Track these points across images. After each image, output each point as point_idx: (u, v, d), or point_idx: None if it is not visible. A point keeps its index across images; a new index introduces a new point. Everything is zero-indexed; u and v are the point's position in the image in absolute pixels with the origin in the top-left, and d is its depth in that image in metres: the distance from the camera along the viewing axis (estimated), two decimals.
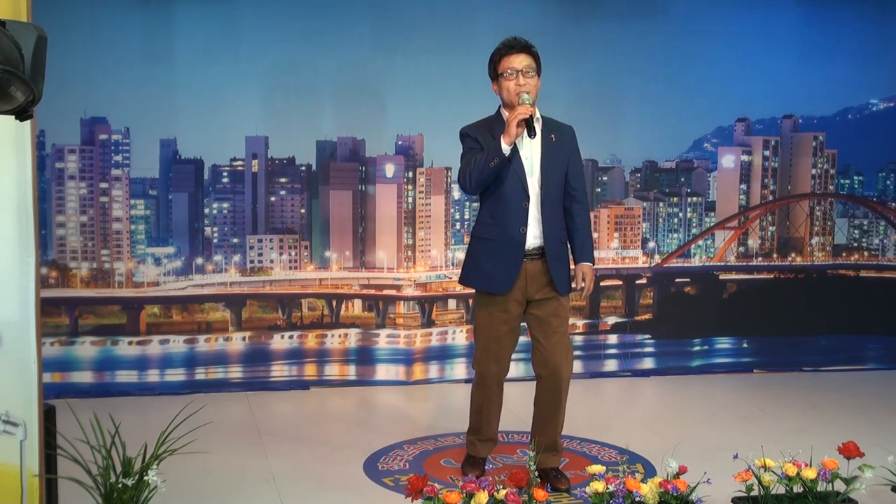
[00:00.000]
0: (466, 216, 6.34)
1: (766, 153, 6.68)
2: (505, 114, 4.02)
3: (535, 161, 4.02)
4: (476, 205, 6.29)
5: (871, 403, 5.75)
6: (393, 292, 6.18)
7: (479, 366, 4.18)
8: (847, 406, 5.66)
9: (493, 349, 4.11)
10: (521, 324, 4.21)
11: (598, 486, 3.37)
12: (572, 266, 4.14)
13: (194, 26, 5.78)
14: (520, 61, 3.97)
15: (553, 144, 4.06)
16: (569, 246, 4.15)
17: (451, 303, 6.26)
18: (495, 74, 4.04)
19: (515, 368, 4.61)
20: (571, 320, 6.42)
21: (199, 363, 5.93)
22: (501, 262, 4.02)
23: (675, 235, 6.67)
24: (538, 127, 3.98)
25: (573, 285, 4.12)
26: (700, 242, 6.70)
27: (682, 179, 6.69)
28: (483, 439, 4.29)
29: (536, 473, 3.42)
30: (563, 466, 4.38)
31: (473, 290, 4.23)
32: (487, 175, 3.92)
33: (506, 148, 3.86)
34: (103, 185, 5.79)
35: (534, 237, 4.02)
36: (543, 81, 4.13)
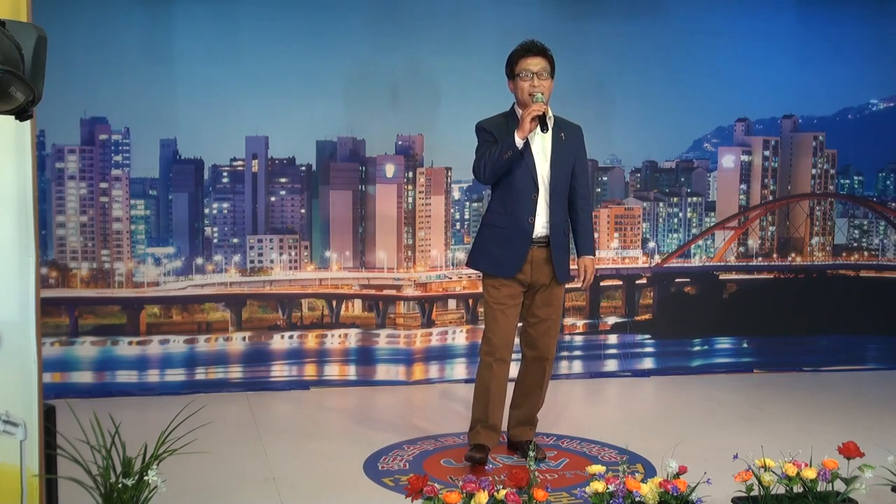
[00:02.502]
0: (466, 216, 6.35)
1: (766, 153, 6.68)
2: (519, 111, 4.25)
3: (546, 157, 4.28)
4: (476, 204, 6.33)
5: (871, 403, 5.75)
6: (393, 292, 6.18)
7: (486, 343, 4.34)
8: (847, 406, 5.66)
9: (501, 322, 4.29)
10: None
11: (598, 486, 3.37)
12: (573, 257, 4.45)
13: (194, 26, 5.78)
14: (535, 63, 4.22)
15: (563, 142, 4.31)
16: (571, 238, 4.43)
17: (451, 303, 6.26)
18: (512, 74, 4.29)
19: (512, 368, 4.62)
20: (572, 320, 6.44)
21: (199, 363, 5.93)
22: (509, 249, 4.27)
23: (675, 235, 6.67)
24: (550, 124, 4.20)
25: (576, 278, 4.45)
26: (700, 242, 6.70)
27: (682, 179, 6.69)
28: (487, 426, 4.33)
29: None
30: (564, 466, 4.42)
31: (478, 289, 4.51)
32: (501, 166, 4.17)
33: (519, 141, 4.12)
34: (103, 185, 5.79)
35: (542, 227, 4.28)
36: None
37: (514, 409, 4.55)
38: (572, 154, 4.34)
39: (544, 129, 4.14)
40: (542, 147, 4.27)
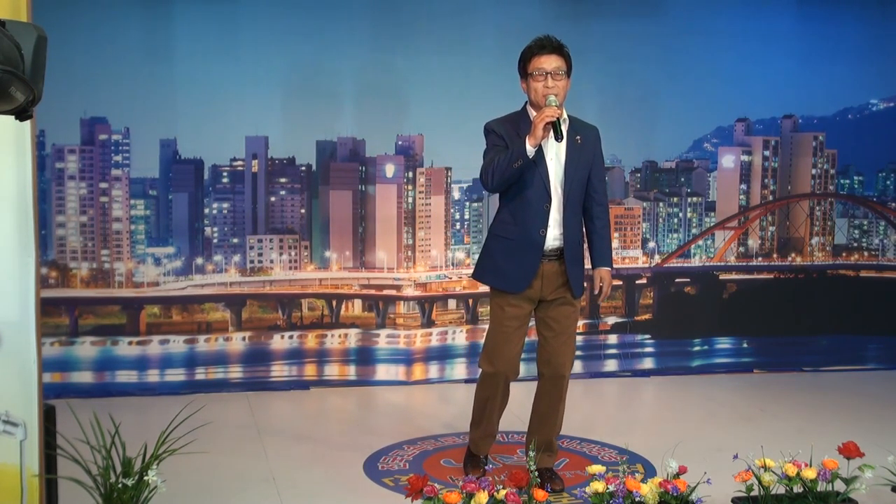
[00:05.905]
0: (466, 216, 6.34)
1: (766, 153, 6.68)
2: (531, 112, 3.94)
3: (560, 164, 3.95)
4: (476, 204, 6.32)
5: (871, 403, 5.75)
6: (393, 292, 6.18)
7: (486, 363, 4.13)
8: (847, 406, 5.66)
9: (502, 346, 4.06)
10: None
11: (598, 486, 3.37)
12: (588, 268, 4.12)
13: (194, 26, 5.78)
14: (550, 62, 3.87)
15: (578, 146, 3.99)
16: (585, 248, 4.12)
17: (451, 303, 6.26)
18: (524, 73, 3.95)
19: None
20: None
21: (199, 363, 5.93)
22: (519, 262, 3.97)
23: (675, 235, 6.67)
24: (565, 129, 3.88)
25: (595, 291, 4.11)
26: (700, 242, 6.70)
27: (682, 179, 6.69)
28: (482, 434, 4.28)
29: (536, 473, 3.43)
30: (564, 466, 4.41)
31: (486, 289, 4.19)
32: (510, 175, 3.83)
33: (530, 150, 3.77)
34: (103, 185, 5.79)
35: (554, 238, 3.97)
36: None
37: (531, 435, 4.23)
38: (588, 159, 4.02)
39: (558, 137, 3.79)
40: (555, 153, 3.93)
